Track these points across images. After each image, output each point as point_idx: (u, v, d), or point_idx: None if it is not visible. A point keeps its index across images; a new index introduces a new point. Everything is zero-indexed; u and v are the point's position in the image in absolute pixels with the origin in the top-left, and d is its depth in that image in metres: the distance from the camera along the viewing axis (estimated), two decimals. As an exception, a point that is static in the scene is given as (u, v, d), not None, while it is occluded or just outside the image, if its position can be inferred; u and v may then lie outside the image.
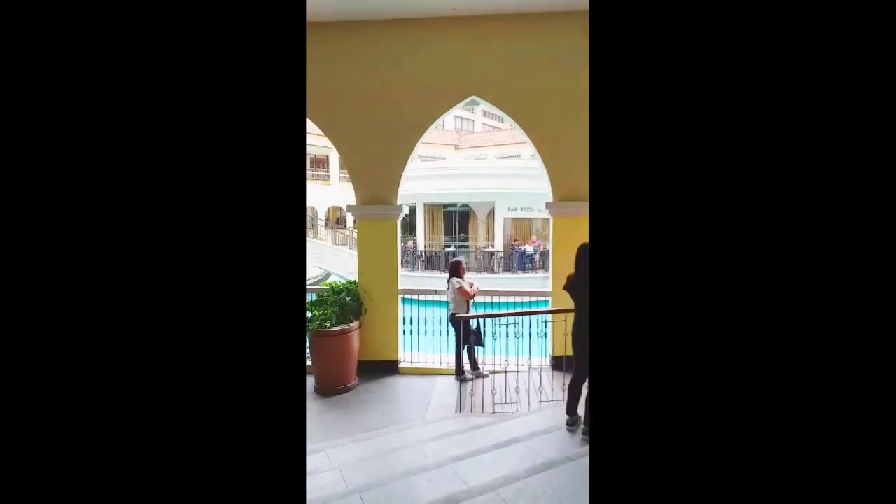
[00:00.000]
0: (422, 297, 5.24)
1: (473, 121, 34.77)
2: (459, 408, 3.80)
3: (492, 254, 14.88)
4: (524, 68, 4.51)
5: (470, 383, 4.31)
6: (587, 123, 0.93)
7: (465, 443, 2.90)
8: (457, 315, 4.51)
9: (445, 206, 16.54)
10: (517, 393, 3.66)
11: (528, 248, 14.43)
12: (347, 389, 4.35)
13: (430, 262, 14.54)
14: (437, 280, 13.76)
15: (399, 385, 4.56)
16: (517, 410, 3.63)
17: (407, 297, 5.03)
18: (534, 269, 14.13)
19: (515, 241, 15.41)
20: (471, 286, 4.66)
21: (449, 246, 15.78)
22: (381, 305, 4.77)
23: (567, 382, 3.61)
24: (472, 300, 4.66)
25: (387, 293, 4.81)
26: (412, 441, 3.11)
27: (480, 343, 4.47)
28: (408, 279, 14.10)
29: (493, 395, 3.65)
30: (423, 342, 5.04)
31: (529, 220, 16.47)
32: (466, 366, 4.60)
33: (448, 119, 32.58)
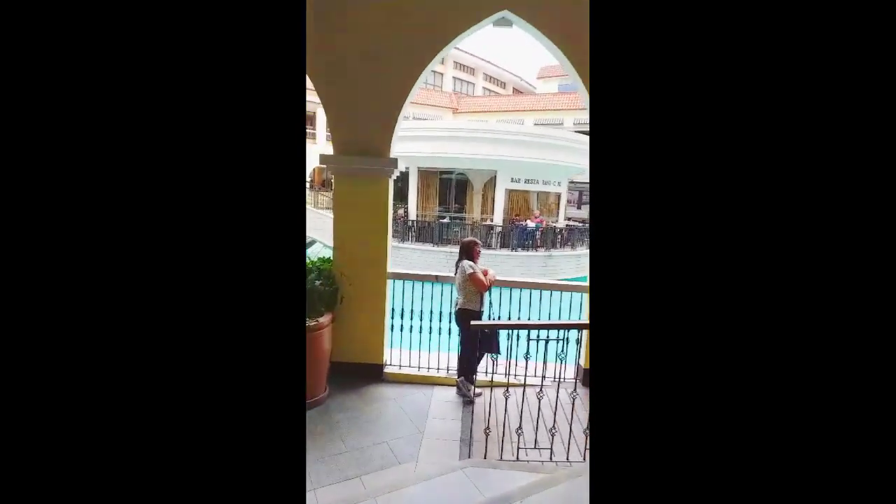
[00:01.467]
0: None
1: (474, 84, 32.88)
2: (468, 450, 2.71)
3: (490, 228, 13.70)
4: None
5: (477, 406, 3.23)
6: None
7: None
8: (468, 312, 3.37)
9: (442, 172, 15.15)
10: (551, 434, 2.58)
11: (531, 224, 13.31)
12: (315, 404, 3.23)
13: (422, 233, 13.37)
14: (429, 254, 12.69)
15: (384, 399, 3.46)
16: (552, 459, 2.57)
17: (398, 279, 3.85)
18: (534, 247, 13.11)
19: (517, 215, 14.24)
20: (485, 274, 3.51)
21: (443, 217, 14.54)
22: (364, 292, 3.60)
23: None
24: (487, 292, 3.52)
25: (372, 277, 3.63)
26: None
27: (496, 349, 3.36)
28: (396, 252, 12.91)
29: (519, 434, 2.56)
30: (416, 340, 3.91)
31: (533, 192, 15.27)
32: (480, 376, 3.51)
33: (447, 80, 30.73)
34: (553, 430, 2.57)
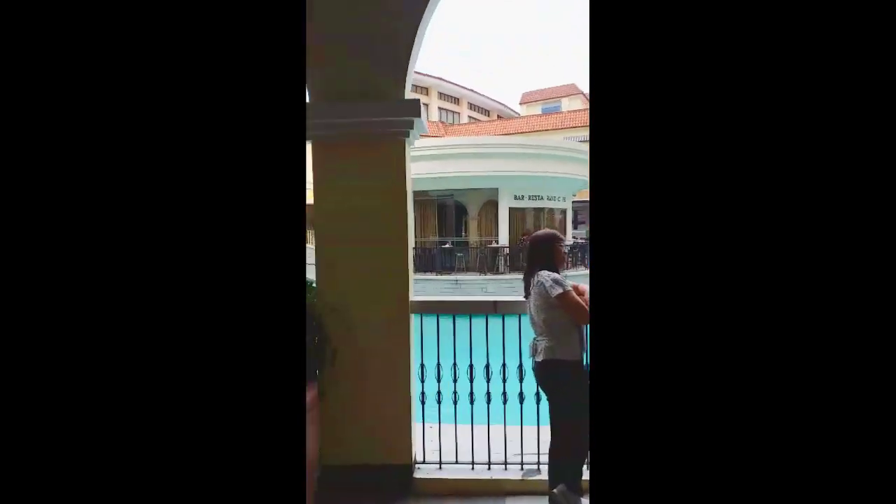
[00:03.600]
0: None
1: (459, 113, 32.52)
2: None
3: (495, 250, 12.31)
4: None
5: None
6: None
7: None
8: (564, 365, 1.86)
9: (438, 196, 13.83)
10: None
11: (541, 244, 11.98)
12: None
13: (422, 261, 12.00)
14: (432, 283, 11.16)
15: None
16: None
17: (429, 312, 2.32)
18: (546, 268, 11.75)
19: (524, 235, 12.92)
20: (579, 293, 2.00)
21: (445, 242, 13.12)
22: (373, 341, 2.06)
23: None
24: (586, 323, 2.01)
25: (385, 311, 2.10)
26: None
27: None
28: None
29: None
30: (464, 414, 2.33)
31: (532, 210, 14.01)
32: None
33: (432, 111, 30.36)
34: None
